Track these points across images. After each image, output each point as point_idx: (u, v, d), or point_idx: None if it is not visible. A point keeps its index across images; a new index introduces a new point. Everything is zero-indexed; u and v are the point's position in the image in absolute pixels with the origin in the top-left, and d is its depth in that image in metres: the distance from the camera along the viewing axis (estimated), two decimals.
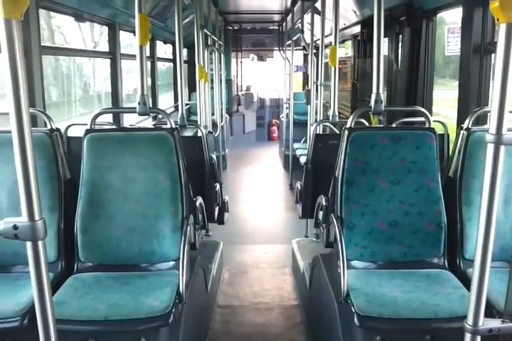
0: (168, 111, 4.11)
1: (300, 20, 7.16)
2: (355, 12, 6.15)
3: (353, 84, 6.74)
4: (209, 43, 6.81)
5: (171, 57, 8.63)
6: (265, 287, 4.18)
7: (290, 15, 8.60)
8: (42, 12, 3.67)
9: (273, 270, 4.60)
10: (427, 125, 3.00)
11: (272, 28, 12.39)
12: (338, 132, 4.09)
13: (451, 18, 4.38)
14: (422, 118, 3.10)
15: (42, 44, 3.54)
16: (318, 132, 4.23)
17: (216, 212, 4.09)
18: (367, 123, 3.98)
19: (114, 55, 5.13)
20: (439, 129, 3.25)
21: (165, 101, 8.41)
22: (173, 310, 2.29)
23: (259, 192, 7.87)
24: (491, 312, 1.92)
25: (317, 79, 5.37)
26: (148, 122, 5.76)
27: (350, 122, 2.90)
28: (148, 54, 6.73)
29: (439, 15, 4.32)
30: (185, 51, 8.70)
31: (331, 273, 2.68)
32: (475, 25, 3.40)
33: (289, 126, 7.95)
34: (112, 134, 2.97)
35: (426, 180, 2.75)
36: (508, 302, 1.55)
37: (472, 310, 1.51)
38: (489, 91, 3.45)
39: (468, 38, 3.46)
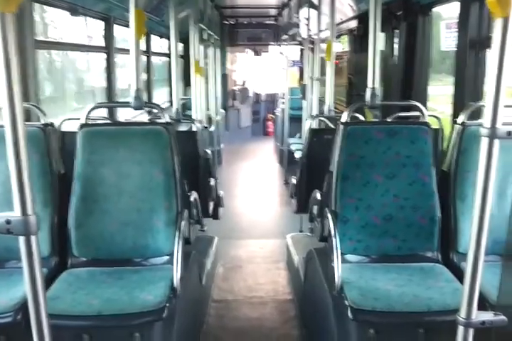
0: (163, 106, 4.09)
1: (296, 15, 7.14)
2: (351, 6, 6.13)
3: (348, 79, 6.73)
4: (205, 38, 6.78)
5: (167, 52, 8.59)
6: (260, 281, 4.19)
7: (286, 10, 8.57)
8: (36, 6, 3.64)
9: (267, 264, 4.61)
10: (422, 119, 3.00)
11: (268, 22, 12.35)
12: (333, 127, 4.09)
13: (448, 13, 4.37)
14: (417, 113, 3.11)
15: (36, 38, 3.52)
16: (313, 127, 4.23)
17: (211, 207, 4.08)
18: (362, 118, 3.98)
19: (108, 49, 5.10)
20: (434, 124, 3.25)
21: (161, 96, 8.37)
22: (167, 305, 2.29)
23: (254, 187, 7.87)
24: (483, 305, 1.92)
25: (313, 74, 5.37)
26: (143, 117, 5.74)
27: (345, 117, 2.90)
28: (143, 48, 6.70)
29: (435, 10, 4.31)
30: (181, 46, 8.65)
31: (325, 267, 2.68)
32: (471, 20, 3.39)
33: (285, 121, 7.94)
34: (106, 129, 2.96)
35: (420, 174, 2.75)
36: (501, 295, 1.56)
37: (465, 303, 1.52)
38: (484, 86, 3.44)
39: (464, 32, 3.45)
